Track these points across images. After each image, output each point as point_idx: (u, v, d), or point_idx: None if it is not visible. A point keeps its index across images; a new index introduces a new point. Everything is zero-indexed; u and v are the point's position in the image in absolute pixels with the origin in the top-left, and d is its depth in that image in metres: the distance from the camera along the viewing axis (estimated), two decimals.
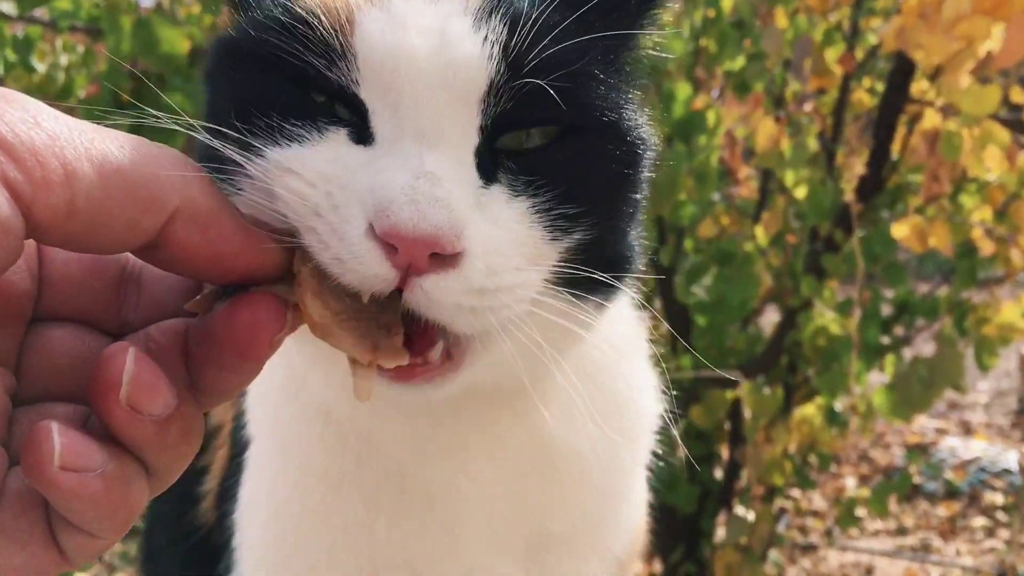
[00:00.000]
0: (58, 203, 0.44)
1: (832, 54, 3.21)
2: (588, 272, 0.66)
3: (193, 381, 0.53)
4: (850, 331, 2.91)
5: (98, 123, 0.50)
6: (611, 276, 0.69)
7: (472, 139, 0.61)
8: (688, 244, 3.33)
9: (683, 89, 2.55)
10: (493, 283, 0.60)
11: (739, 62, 2.99)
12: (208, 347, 0.53)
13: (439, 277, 0.57)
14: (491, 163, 0.62)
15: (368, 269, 0.56)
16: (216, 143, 0.63)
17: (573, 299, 0.67)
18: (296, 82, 0.63)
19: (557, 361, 0.67)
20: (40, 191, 0.43)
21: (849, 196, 2.82)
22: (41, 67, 2.75)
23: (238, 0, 0.71)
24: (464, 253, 0.58)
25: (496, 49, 0.60)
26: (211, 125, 0.64)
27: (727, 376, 2.95)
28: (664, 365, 0.91)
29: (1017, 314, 3.03)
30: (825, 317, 3.07)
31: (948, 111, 2.74)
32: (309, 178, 0.60)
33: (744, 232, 3.24)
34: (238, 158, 0.62)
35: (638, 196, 0.72)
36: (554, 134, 0.64)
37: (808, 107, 3.54)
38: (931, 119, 2.82)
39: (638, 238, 0.75)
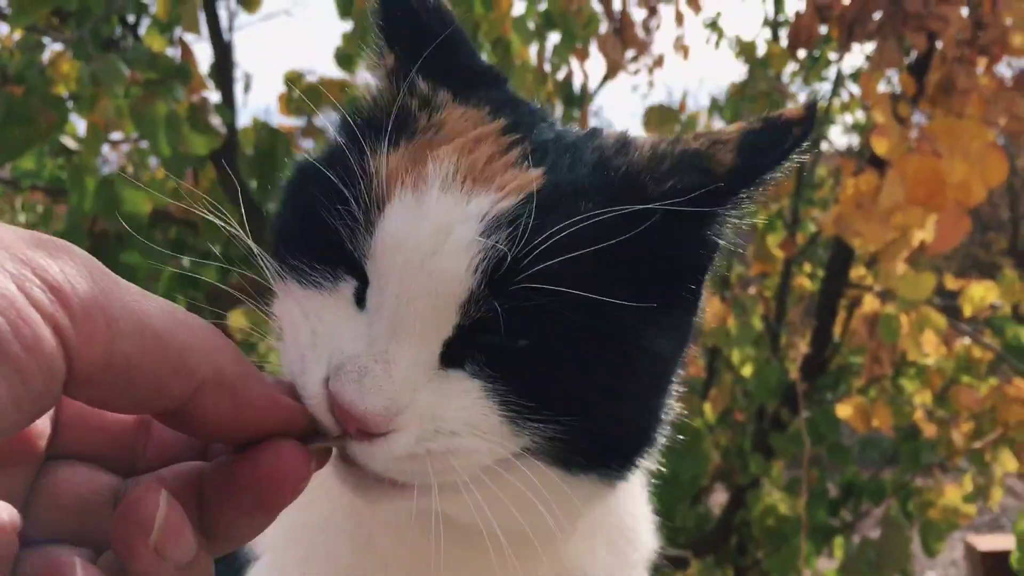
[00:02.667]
0: (97, 357, 0.45)
1: (773, 240, 3.35)
2: (570, 458, 0.68)
3: (205, 526, 0.53)
4: (798, 511, 2.90)
5: None
6: (595, 461, 0.70)
7: (444, 332, 0.65)
8: None
9: None
10: (422, 448, 0.64)
11: None
12: (227, 494, 0.53)
13: (367, 445, 0.63)
14: (460, 351, 0.65)
15: (316, 410, 0.62)
16: (265, 256, 0.71)
17: (566, 474, 0.69)
18: (325, 232, 0.69)
19: (559, 522, 0.69)
20: (84, 342, 0.44)
21: (794, 375, 2.88)
22: None
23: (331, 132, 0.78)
24: (395, 430, 0.63)
25: (485, 266, 0.63)
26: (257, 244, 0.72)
27: (678, 555, 2.91)
28: None
29: (959, 498, 3.05)
30: (773, 497, 3.07)
31: (886, 296, 2.85)
32: (307, 314, 0.67)
33: (692, 408, 3.27)
34: (271, 280, 0.71)
35: (643, 397, 0.72)
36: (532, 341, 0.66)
37: (752, 290, 3.65)
38: (870, 303, 2.93)
39: (647, 425, 0.74)
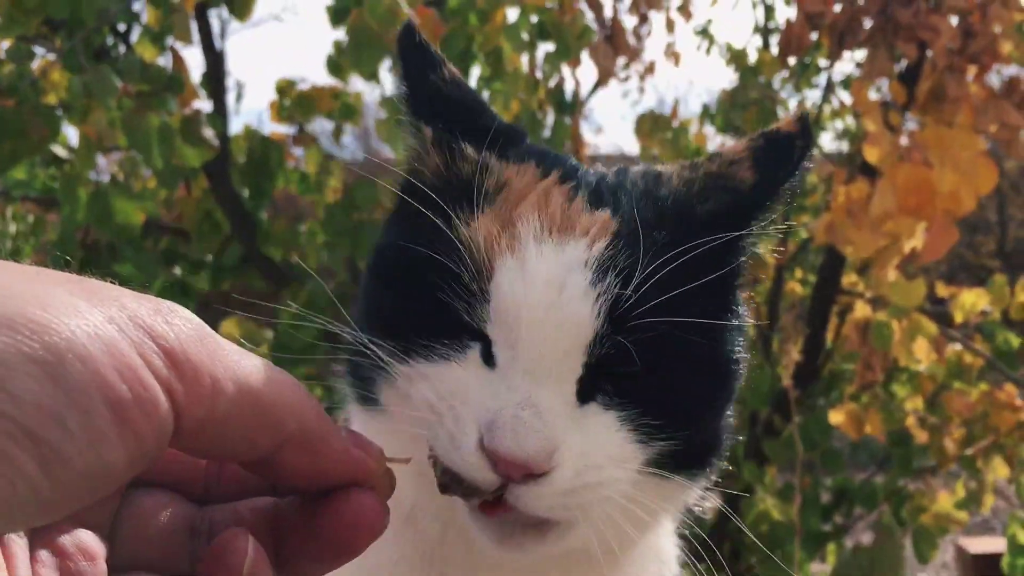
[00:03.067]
0: (200, 415, 0.48)
1: (765, 246, 3.36)
2: (675, 470, 0.75)
3: (281, 566, 0.56)
4: (791, 517, 2.91)
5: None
6: (696, 467, 0.79)
7: (576, 372, 0.71)
8: None
9: None
10: (580, 482, 0.70)
11: None
12: (305, 539, 0.56)
13: (530, 487, 0.69)
14: (591, 386, 0.72)
15: (477, 474, 0.69)
16: (371, 343, 0.76)
17: (662, 487, 0.76)
18: (437, 306, 0.75)
19: (649, 530, 0.79)
20: (191, 403, 0.47)
21: (787, 382, 2.89)
22: None
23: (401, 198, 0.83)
24: (555, 467, 0.69)
25: (604, 308, 0.71)
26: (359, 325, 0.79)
27: None
28: None
29: (951, 504, 3.07)
30: (767, 503, 3.08)
31: (877, 303, 2.86)
32: (440, 391, 0.73)
33: None
34: (388, 364, 0.76)
35: (727, 403, 0.81)
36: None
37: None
38: (862, 310, 2.94)
39: (724, 431, 0.83)
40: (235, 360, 0.50)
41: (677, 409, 0.75)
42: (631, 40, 3.49)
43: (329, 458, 0.55)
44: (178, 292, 2.68)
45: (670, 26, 3.61)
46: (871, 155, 2.46)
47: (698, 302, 0.72)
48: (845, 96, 3.53)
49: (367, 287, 0.84)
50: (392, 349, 0.76)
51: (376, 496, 0.57)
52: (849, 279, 3.02)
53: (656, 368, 0.73)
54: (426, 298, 0.75)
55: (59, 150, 2.72)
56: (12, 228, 2.78)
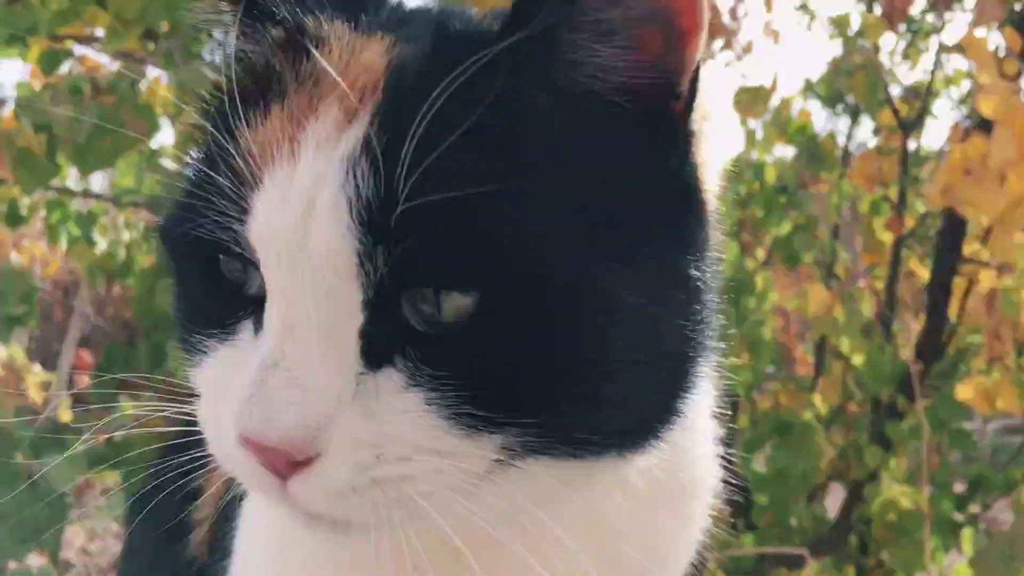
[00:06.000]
0: None
1: (879, 222, 3.21)
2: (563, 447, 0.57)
3: None
4: (921, 504, 2.74)
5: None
6: (610, 439, 0.58)
7: (353, 319, 0.54)
8: (743, 419, 3.22)
9: (730, 248, 2.54)
10: (366, 478, 0.53)
11: (785, 227, 2.99)
12: None
13: (302, 479, 0.53)
14: (385, 343, 0.54)
15: (251, 476, 0.55)
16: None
17: (573, 459, 0.58)
18: (207, 268, 0.60)
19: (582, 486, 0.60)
20: None
21: (909, 359, 2.73)
22: (103, 242, 2.85)
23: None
24: (322, 455, 0.53)
25: (358, 213, 0.52)
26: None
27: (793, 553, 2.77)
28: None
29: None
30: (893, 490, 2.91)
31: (1004, 269, 2.68)
32: (207, 399, 0.59)
33: (801, 402, 3.14)
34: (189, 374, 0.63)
35: (641, 349, 0.57)
36: (468, 308, 0.52)
37: (862, 283, 3.50)
38: (987, 278, 2.76)
39: (669, 377, 0.61)
40: None
41: (514, 383, 0.53)
42: (727, 21, 3.41)
43: None
44: None
45: (768, 4, 3.51)
46: (986, 106, 2.31)
47: (511, 178, 0.52)
48: (959, 62, 3.36)
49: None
50: (185, 350, 0.62)
51: None
52: (971, 248, 2.84)
53: (470, 322, 0.52)
54: (194, 253, 0.59)
55: (166, 162, 2.81)
56: (125, 235, 2.88)
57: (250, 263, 0.57)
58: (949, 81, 3.28)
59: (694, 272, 0.60)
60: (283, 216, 0.53)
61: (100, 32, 2.82)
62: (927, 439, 2.68)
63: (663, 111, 0.58)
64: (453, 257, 0.52)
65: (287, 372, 0.52)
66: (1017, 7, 2.54)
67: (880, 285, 3.35)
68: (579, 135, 0.56)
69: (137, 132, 2.18)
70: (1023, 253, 2.48)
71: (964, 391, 2.61)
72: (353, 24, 0.62)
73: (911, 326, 2.90)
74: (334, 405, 0.52)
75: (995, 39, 2.81)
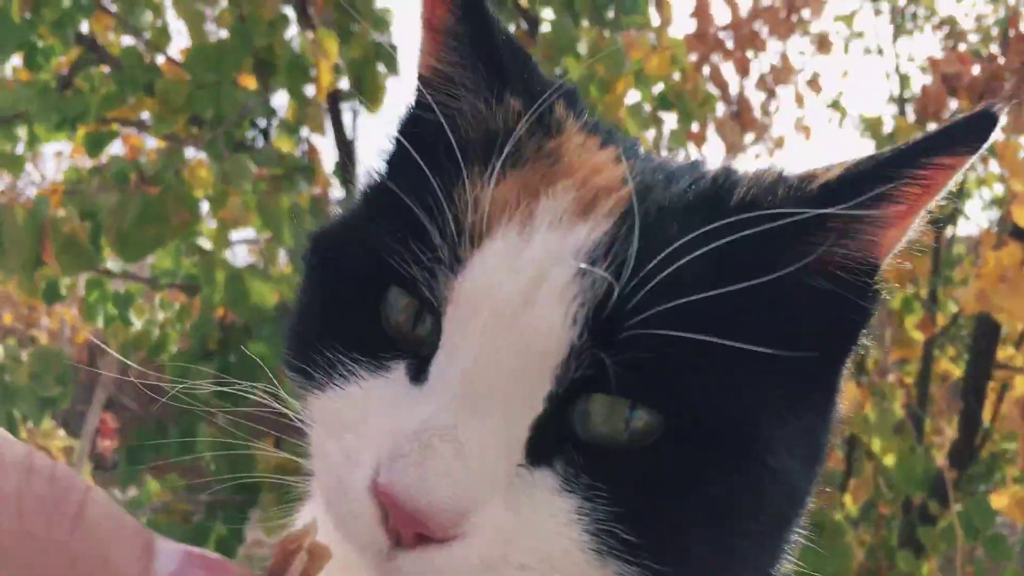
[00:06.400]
0: None
1: (911, 321, 3.19)
2: None
3: None
4: None
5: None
6: None
7: (533, 408, 0.51)
8: None
9: None
10: (486, 573, 0.50)
11: None
12: None
13: (423, 555, 0.49)
14: (551, 442, 0.51)
15: (364, 532, 0.50)
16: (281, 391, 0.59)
17: None
18: (369, 295, 0.57)
19: None
20: None
21: (942, 463, 2.70)
22: (138, 322, 2.88)
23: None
24: (460, 537, 0.49)
25: (584, 310, 0.50)
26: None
27: None
28: None
29: None
30: None
31: None
32: (334, 429, 0.54)
33: (831, 501, 3.09)
34: (296, 416, 0.58)
35: (773, 535, 0.57)
36: (650, 432, 0.51)
37: (892, 377, 3.47)
38: (1022, 385, 2.74)
39: (768, 565, 0.59)
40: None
41: (675, 520, 0.51)
42: (758, 115, 3.45)
43: None
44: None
45: (799, 100, 3.56)
46: (1020, 216, 2.32)
47: (734, 330, 0.50)
48: (992, 164, 3.37)
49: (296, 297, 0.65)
50: (298, 376, 0.57)
51: None
52: (1006, 352, 2.82)
53: (654, 443, 0.50)
54: (353, 287, 0.56)
55: (203, 241, 2.86)
56: (160, 315, 2.91)
57: (429, 311, 0.54)
58: (981, 182, 3.29)
59: (823, 452, 0.59)
60: (510, 282, 0.51)
61: (145, 115, 2.91)
62: (961, 546, 2.63)
63: (869, 287, 0.58)
64: (660, 378, 0.50)
65: (457, 443, 0.49)
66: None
67: (910, 380, 3.32)
68: (801, 305, 0.55)
69: (180, 220, 2.22)
70: None
71: (999, 500, 2.57)
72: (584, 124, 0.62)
73: (944, 428, 2.87)
74: (490, 491, 0.49)
75: None
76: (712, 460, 0.51)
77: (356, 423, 0.53)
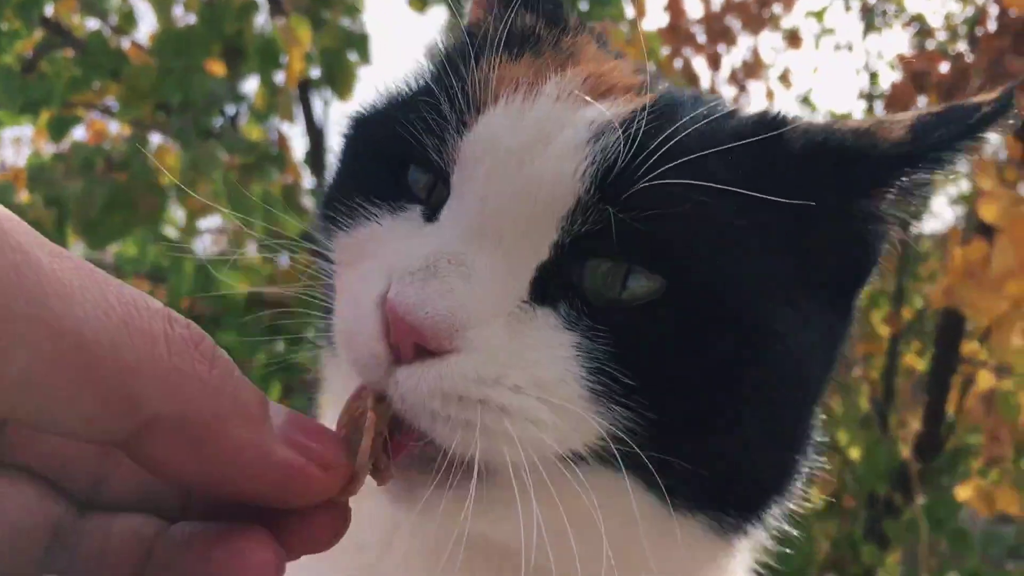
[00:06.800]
0: None
1: (877, 316, 3.23)
2: (674, 477, 0.53)
3: None
4: None
5: None
6: (720, 496, 0.56)
7: (539, 252, 0.54)
8: None
9: None
10: (478, 392, 0.51)
11: None
12: None
13: (417, 368, 0.51)
14: (557, 288, 0.54)
15: (366, 344, 0.51)
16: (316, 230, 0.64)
17: (663, 507, 0.54)
18: (393, 164, 0.61)
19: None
20: None
21: (906, 456, 2.73)
22: None
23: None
24: (453, 351, 0.51)
25: (595, 169, 0.53)
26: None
27: None
28: None
29: None
30: None
31: (1002, 370, 2.70)
32: (361, 253, 0.58)
33: None
34: (317, 243, 0.63)
35: (785, 409, 0.57)
36: (650, 295, 0.53)
37: (858, 371, 3.51)
38: (985, 379, 2.77)
39: (790, 453, 0.59)
40: (60, 290, 0.34)
41: (672, 370, 0.53)
42: None
43: (222, 458, 0.38)
44: (281, 367, 2.70)
45: (770, 95, 3.58)
46: (987, 213, 2.35)
47: (745, 220, 0.53)
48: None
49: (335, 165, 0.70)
50: (326, 224, 0.62)
51: (268, 541, 0.41)
52: (970, 347, 2.86)
53: (662, 278, 0.53)
54: (386, 149, 0.61)
55: (169, 230, 2.81)
56: None
57: (441, 178, 0.58)
58: (948, 179, 3.32)
59: (836, 356, 0.62)
60: (513, 134, 0.55)
61: (111, 101, 2.86)
62: (924, 538, 2.67)
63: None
64: (663, 244, 0.53)
65: (463, 267, 0.52)
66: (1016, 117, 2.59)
67: (876, 375, 3.36)
68: (825, 233, 0.59)
69: (147, 208, 2.19)
70: (1021, 356, 2.50)
71: (963, 492, 2.60)
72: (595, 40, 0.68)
73: (909, 422, 2.90)
74: (490, 313, 0.52)
75: (994, 141, 2.87)
76: (716, 320, 0.53)
77: (374, 252, 0.56)
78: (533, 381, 0.52)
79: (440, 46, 0.70)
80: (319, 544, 0.42)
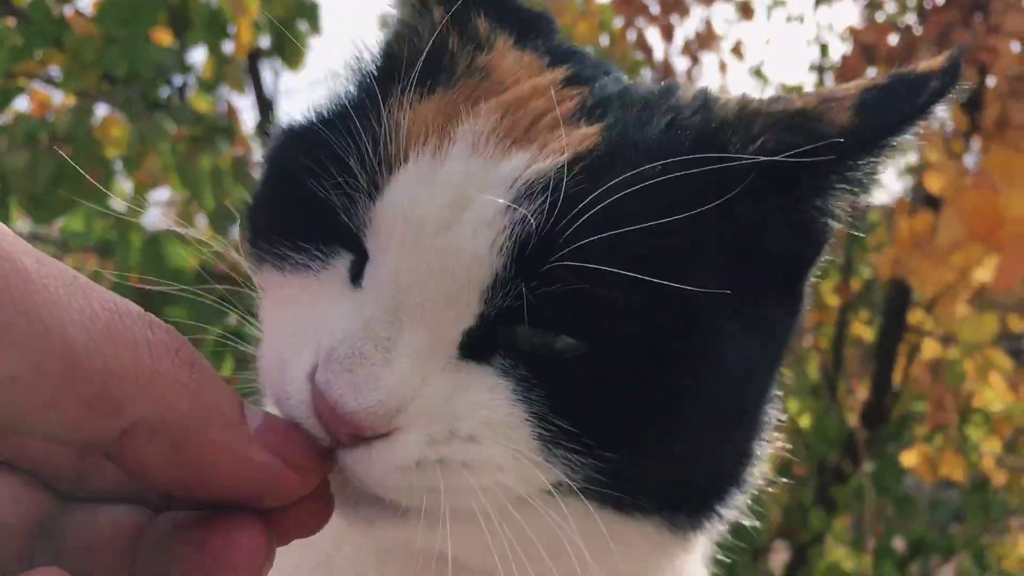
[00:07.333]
0: None
1: (827, 286, 3.27)
2: (631, 498, 0.55)
3: None
4: (864, 568, 2.78)
5: None
6: (672, 502, 0.56)
7: (463, 321, 0.53)
8: None
9: None
10: (435, 454, 0.51)
11: None
12: (162, 569, 0.42)
13: (364, 451, 0.50)
14: (488, 345, 0.53)
15: (302, 415, 0.50)
16: (247, 246, 0.61)
17: (620, 517, 0.55)
18: (314, 205, 0.57)
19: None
20: None
21: (854, 424, 2.78)
22: None
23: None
24: (397, 429, 0.51)
25: (511, 242, 0.51)
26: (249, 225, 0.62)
27: None
28: None
29: None
30: (837, 552, 2.95)
31: (948, 340, 2.75)
32: (288, 302, 0.57)
33: None
34: (251, 272, 0.60)
35: (728, 419, 0.58)
36: (579, 350, 0.53)
37: (807, 342, 3.56)
38: (931, 348, 2.83)
39: (739, 455, 0.60)
40: (46, 294, 0.34)
41: (605, 417, 0.53)
42: (683, 82, 3.47)
43: (202, 460, 0.39)
44: (232, 342, 2.68)
45: (723, 68, 3.59)
46: (934, 184, 2.38)
47: (672, 263, 0.51)
48: None
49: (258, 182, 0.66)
50: (253, 252, 0.59)
51: (258, 527, 0.41)
52: (916, 317, 2.91)
53: (585, 349, 0.52)
54: (302, 188, 0.57)
55: (117, 204, 2.76)
56: None
57: (356, 241, 0.56)
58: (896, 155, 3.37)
59: (783, 350, 0.61)
60: (425, 202, 0.52)
61: (55, 71, 2.79)
62: (871, 504, 2.72)
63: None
64: (585, 314, 0.51)
65: (386, 351, 0.51)
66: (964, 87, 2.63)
67: (826, 344, 3.41)
68: (763, 228, 0.57)
69: (94, 183, 2.14)
70: (966, 326, 2.55)
71: (908, 458, 2.66)
72: (516, 41, 0.62)
73: (857, 391, 2.96)
74: (419, 388, 0.51)
75: (941, 114, 2.91)
76: (649, 365, 0.52)
77: (302, 305, 0.55)
78: (484, 425, 0.52)
79: (366, 57, 0.65)
80: (307, 529, 0.44)
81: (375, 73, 0.61)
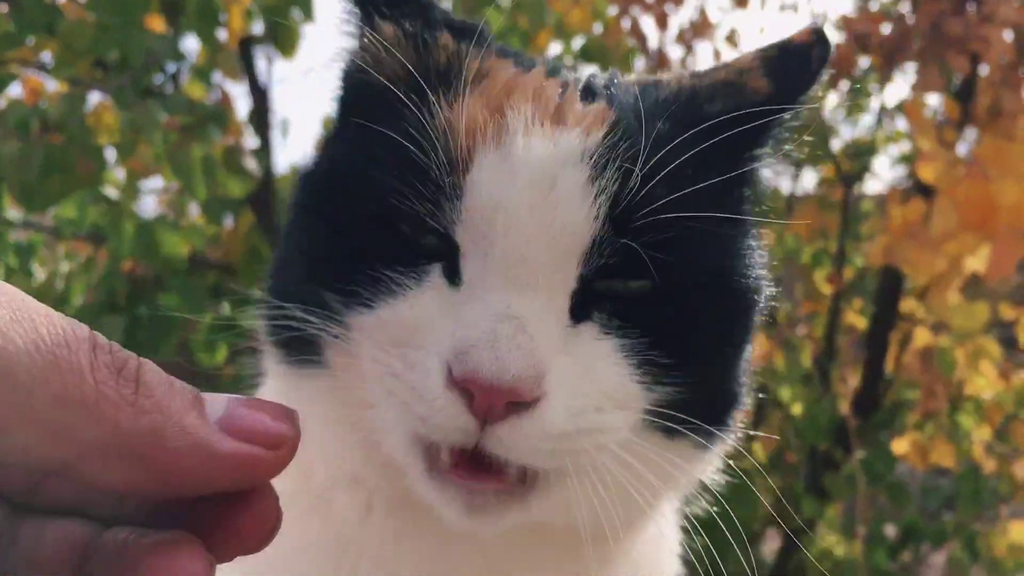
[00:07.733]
0: None
1: (820, 275, 3.28)
2: (684, 421, 0.63)
3: None
4: (855, 555, 2.79)
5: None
6: (710, 423, 0.65)
7: (568, 284, 0.61)
8: None
9: None
10: (574, 425, 0.58)
11: None
12: None
13: (515, 422, 0.57)
14: (586, 302, 0.61)
15: (450, 422, 0.56)
16: (293, 309, 0.63)
17: (667, 444, 0.64)
18: (387, 224, 0.63)
19: (650, 507, 0.66)
20: None
21: (846, 411, 2.79)
22: (41, 274, 2.78)
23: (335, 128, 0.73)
24: (543, 397, 0.57)
25: (603, 209, 0.60)
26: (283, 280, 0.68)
27: None
28: None
29: None
30: (829, 539, 2.96)
31: (939, 328, 2.76)
32: (389, 339, 0.60)
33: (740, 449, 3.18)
34: (320, 331, 0.63)
35: (744, 343, 0.69)
36: (653, 287, 0.63)
37: (801, 330, 3.57)
38: (922, 336, 2.84)
39: (741, 379, 0.71)
40: None
41: (692, 340, 0.63)
42: (676, 70, 3.46)
43: (174, 468, 0.40)
44: (225, 328, 2.67)
45: (717, 56, 3.58)
46: (926, 173, 2.39)
47: (710, 208, 0.62)
48: (899, 122, 3.46)
49: (291, 233, 0.70)
50: (324, 311, 0.62)
51: (198, 549, 0.41)
52: (908, 305, 2.92)
53: (667, 283, 0.61)
54: (370, 217, 0.62)
55: (110, 191, 2.76)
56: (64, 267, 2.81)
57: (445, 239, 0.61)
58: (888, 139, 3.38)
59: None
60: (513, 188, 0.59)
61: (47, 57, 2.78)
62: (863, 491, 2.74)
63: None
64: (666, 263, 0.61)
65: (516, 321, 0.57)
66: (958, 82, 2.64)
67: (819, 333, 3.42)
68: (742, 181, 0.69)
69: (85, 171, 2.14)
70: (958, 314, 2.56)
71: (899, 445, 2.67)
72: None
73: (849, 378, 2.96)
74: (556, 353, 0.58)
75: (934, 103, 2.92)
76: (707, 292, 0.64)
77: (412, 334, 0.60)
78: (606, 396, 0.60)
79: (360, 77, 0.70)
80: (249, 547, 0.44)
81: (403, 91, 0.65)
